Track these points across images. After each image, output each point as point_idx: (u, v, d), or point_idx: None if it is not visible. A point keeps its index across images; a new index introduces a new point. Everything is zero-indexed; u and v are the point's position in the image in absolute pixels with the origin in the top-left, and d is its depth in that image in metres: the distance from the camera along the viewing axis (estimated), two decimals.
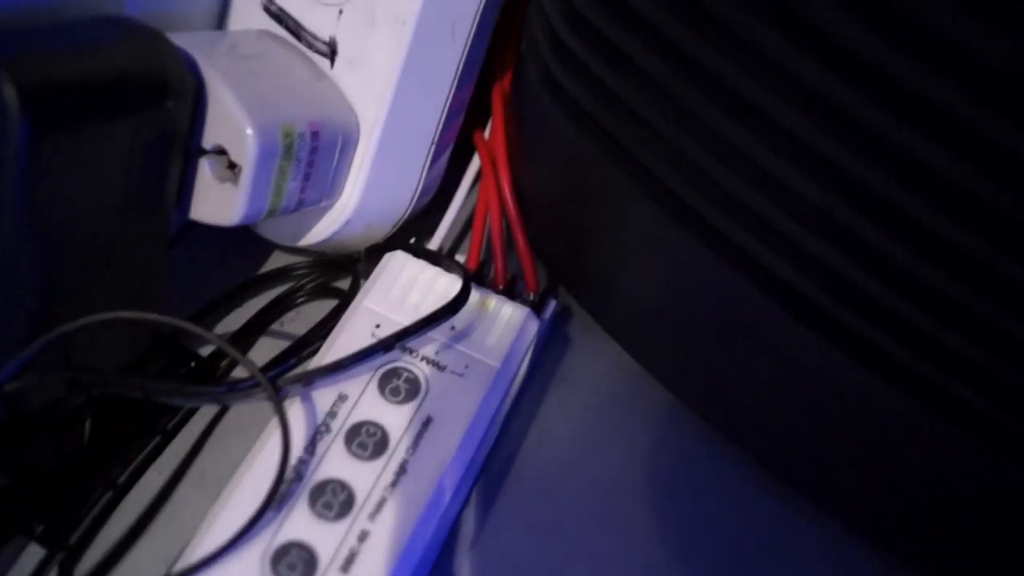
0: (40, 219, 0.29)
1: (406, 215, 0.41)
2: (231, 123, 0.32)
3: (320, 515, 0.31)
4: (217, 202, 0.34)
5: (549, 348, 0.41)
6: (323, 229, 0.39)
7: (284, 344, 0.40)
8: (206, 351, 0.39)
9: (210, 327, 0.40)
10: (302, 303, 0.42)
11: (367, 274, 0.39)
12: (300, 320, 0.41)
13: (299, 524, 0.31)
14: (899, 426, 0.29)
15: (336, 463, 0.33)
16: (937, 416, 0.28)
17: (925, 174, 0.24)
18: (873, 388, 0.29)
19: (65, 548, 0.34)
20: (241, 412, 0.38)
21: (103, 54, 0.30)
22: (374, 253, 0.40)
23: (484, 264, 0.41)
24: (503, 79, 0.42)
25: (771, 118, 0.27)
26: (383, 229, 0.41)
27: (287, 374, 0.34)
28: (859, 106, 0.24)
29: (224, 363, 0.39)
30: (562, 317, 0.42)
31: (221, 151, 0.33)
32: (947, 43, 0.22)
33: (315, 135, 0.34)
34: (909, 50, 0.23)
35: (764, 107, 0.27)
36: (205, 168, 0.34)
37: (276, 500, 0.31)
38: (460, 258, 0.40)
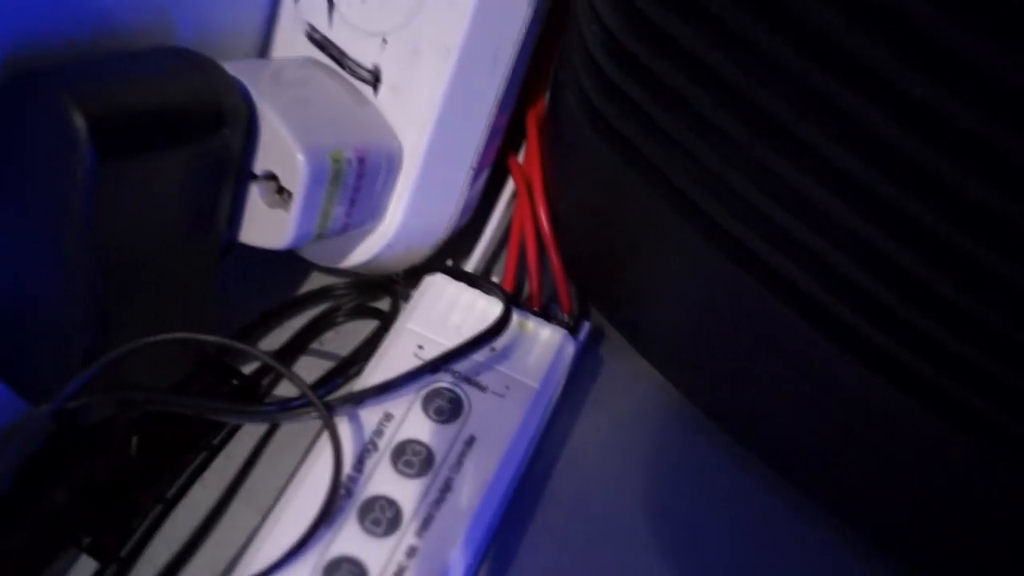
0: (102, 242, 0.30)
1: (445, 236, 0.41)
2: (283, 150, 0.33)
3: (369, 531, 0.32)
4: (267, 226, 0.35)
5: (582, 369, 0.41)
6: (365, 251, 0.39)
7: (324, 363, 0.41)
8: (248, 369, 0.40)
9: (251, 346, 0.41)
10: (341, 323, 0.43)
11: (406, 295, 0.40)
12: (339, 339, 0.42)
13: (349, 539, 0.32)
14: (949, 458, 0.30)
15: (384, 480, 0.34)
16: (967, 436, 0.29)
17: (969, 204, 0.25)
18: (915, 415, 0.29)
19: (117, 560, 0.34)
20: (285, 430, 0.39)
21: (163, 84, 0.31)
22: (412, 275, 0.41)
23: (519, 286, 0.41)
24: (537, 104, 0.43)
25: (812, 148, 0.27)
26: (422, 251, 0.41)
27: (336, 393, 0.35)
28: (902, 139, 0.25)
29: (266, 381, 0.40)
30: (595, 338, 0.43)
31: (272, 177, 0.34)
32: (983, 72, 0.23)
33: (361, 161, 0.35)
34: (956, 85, 0.23)
35: (805, 137, 0.27)
36: (255, 194, 0.35)
37: (328, 517, 0.32)
38: (494, 279, 0.41)
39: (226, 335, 0.39)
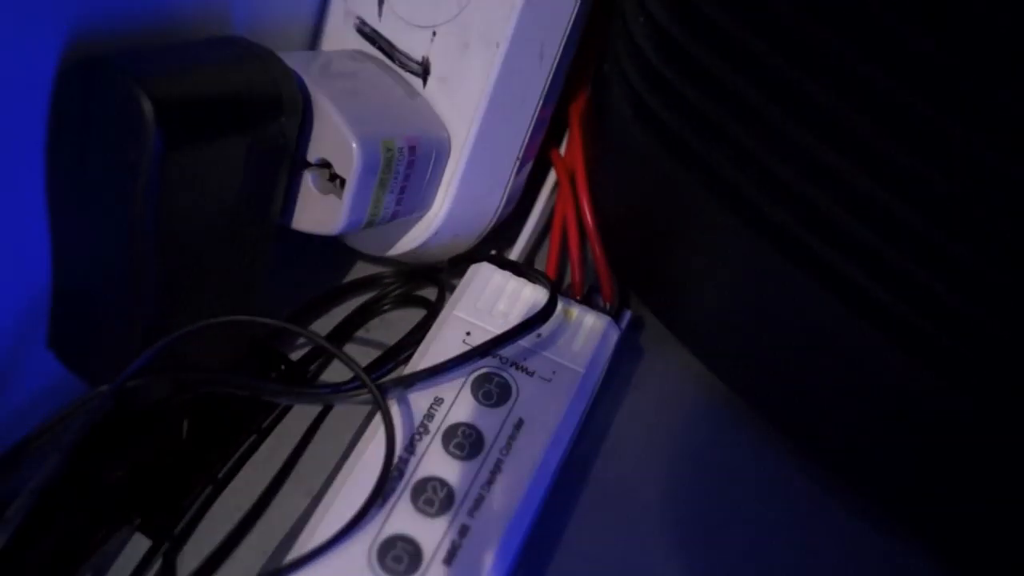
0: (164, 226, 0.31)
1: (490, 226, 0.42)
2: (337, 138, 0.34)
3: (422, 511, 0.33)
4: (320, 213, 0.36)
5: (623, 356, 0.42)
6: (412, 239, 0.40)
7: (370, 350, 0.41)
8: (295, 355, 0.41)
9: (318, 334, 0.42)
10: (387, 311, 0.43)
11: (451, 284, 0.41)
12: (384, 327, 0.43)
13: (403, 519, 0.33)
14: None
15: (435, 462, 0.34)
16: None
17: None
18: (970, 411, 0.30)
19: (170, 538, 0.35)
20: (332, 416, 0.39)
21: (225, 72, 0.32)
22: (457, 263, 0.42)
23: (561, 275, 0.42)
24: (578, 97, 0.44)
25: (855, 136, 0.28)
26: (468, 240, 0.42)
27: (388, 377, 0.36)
28: (946, 125, 0.26)
29: (314, 367, 0.41)
30: (635, 326, 0.43)
31: (325, 164, 0.35)
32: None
33: (412, 150, 0.36)
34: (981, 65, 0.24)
35: (850, 126, 0.28)
36: (308, 180, 0.35)
37: (381, 496, 0.33)
38: (538, 267, 0.41)
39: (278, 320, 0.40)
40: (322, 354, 0.41)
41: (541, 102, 0.40)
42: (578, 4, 0.38)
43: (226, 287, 0.35)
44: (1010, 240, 0.26)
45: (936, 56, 0.25)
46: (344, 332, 0.42)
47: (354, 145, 0.34)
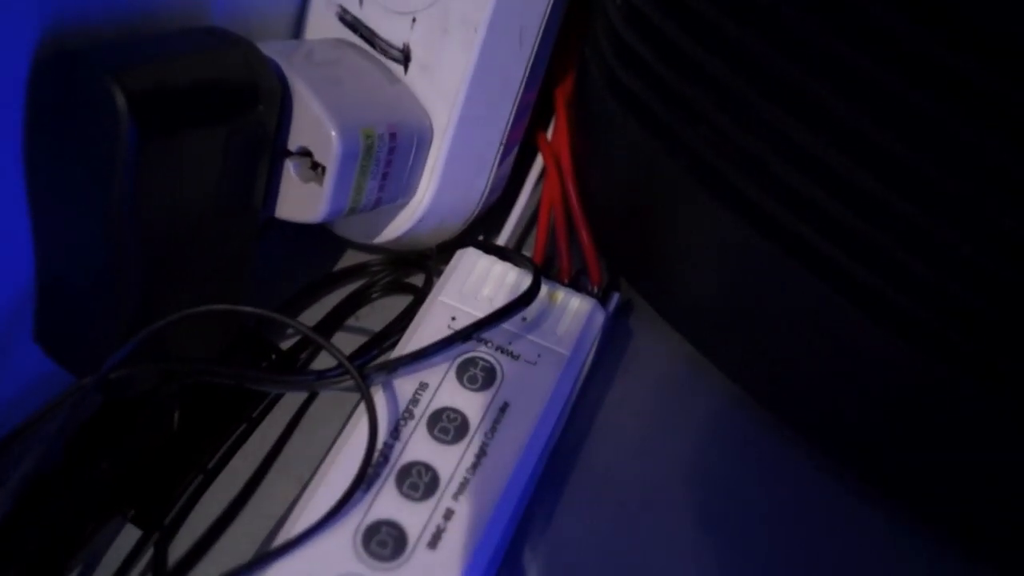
0: (143, 217, 0.31)
1: (476, 212, 0.42)
2: (316, 126, 0.34)
3: (407, 495, 0.33)
4: (301, 201, 0.36)
5: (612, 339, 0.42)
6: (398, 226, 0.40)
7: (360, 337, 0.42)
8: (285, 345, 0.41)
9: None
10: (376, 298, 0.44)
11: (439, 271, 0.41)
12: (375, 314, 0.43)
13: (388, 504, 0.33)
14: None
15: (420, 447, 0.35)
16: None
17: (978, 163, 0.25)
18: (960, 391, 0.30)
19: (160, 528, 0.35)
20: (322, 402, 0.40)
21: (200, 63, 0.32)
22: (444, 250, 0.42)
23: (549, 260, 0.42)
24: (565, 81, 0.44)
25: (825, 111, 0.28)
26: (454, 226, 0.42)
27: (372, 363, 0.36)
28: (908, 97, 0.26)
29: (304, 355, 0.41)
30: (624, 309, 0.43)
31: (306, 152, 0.35)
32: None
33: (392, 136, 0.36)
34: (959, 43, 0.24)
35: (817, 100, 0.28)
36: (290, 169, 0.36)
37: (365, 481, 0.33)
38: (526, 253, 0.42)
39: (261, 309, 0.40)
40: (312, 342, 0.41)
41: (523, 86, 0.40)
42: None
43: (211, 277, 0.35)
44: (994, 220, 0.26)
45: (903, 29, 0.25)
46: (334, 320, 0.42)
47: (333, 133, 0.34)
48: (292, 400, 0.40)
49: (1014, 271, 0.26)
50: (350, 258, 0.45)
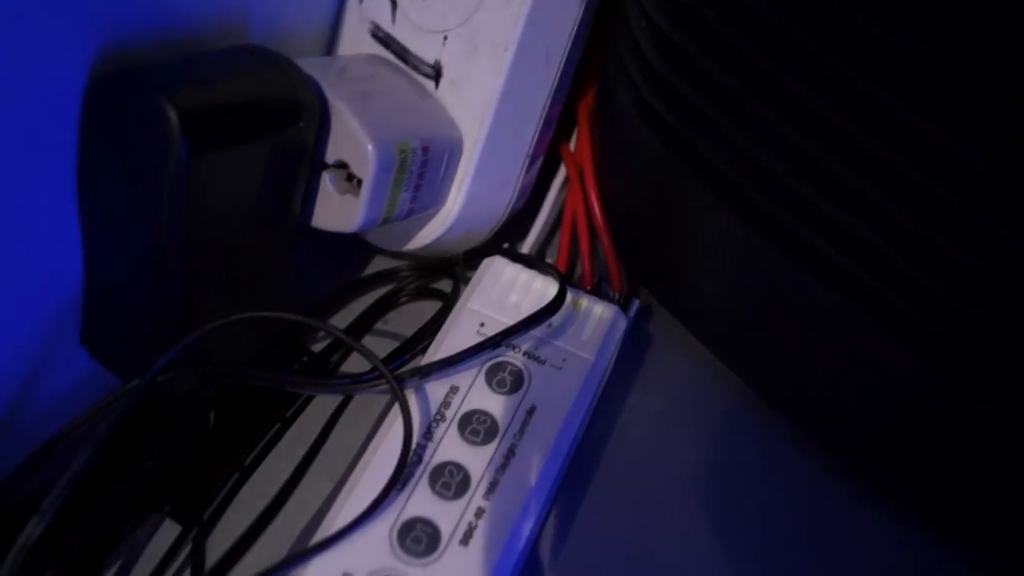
0: (190, 228, 0.32)
1: (502, 221, 0.44)
2: (353, 140, 0.36)
3: (440, 494, 0.35)
4: (338, 211, 0.37)
5: (633, 345, 0.44)
6: (427, 234, 0.42)
7: (388, 341, 0.43)
8: (316, 347, 0.42)
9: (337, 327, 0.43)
10: (404, 303, 0.45)
11: (465, 277, 0.42)
12: (402, 319, 0.44)
13: (422, 502, 0.35)
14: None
15: (452, 447, 0.36)
16: None
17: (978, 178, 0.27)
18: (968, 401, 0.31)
19: (200, 524, 0.37)
20: (354, 403, 0.41)
21: (245, 80, 0.33)
22: (471, 257, 0.44)
23: (571, 266, 0.44)
24: (587, 94, 0.45)
25: (842, 133, 0.29)
26: (481, 234, 0.44)
27: (405, 367, 0.37)
28: (918, 121, 0.27)
29: (335, 358, 0.42)
30: (644, 316, 0.45)
31: (343, 165, 0.36)
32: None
33: (425, 150, 0.37)
34: (960, 68, 0.26)
35: (834, 124, 0.29)
36: (327, 181, 0.37)
37: (400, 480, 0.35)
38: (549, 260, 0.43)
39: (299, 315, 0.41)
40: (343, 346, 0.42)
41: (549, 102, 0.41)
42: (582, 9, 0.39)
43: (251, 283, 0.37)
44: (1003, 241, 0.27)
45: (910, 55, 0.26)
46: (364, 324, 0.44)
47: (370, 147, 0.36)
48: (324, 401, 0.41)
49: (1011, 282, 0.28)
50: (379, 264, 0.46)
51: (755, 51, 0.31)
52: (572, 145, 0.46)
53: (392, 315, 0.45)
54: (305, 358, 0.42)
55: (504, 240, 0.45)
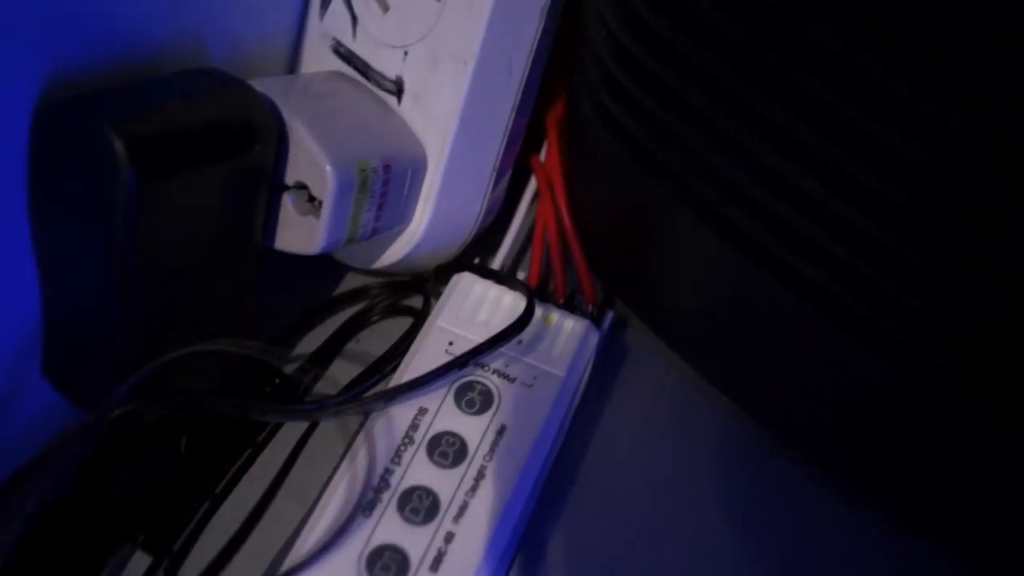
0: (145, 256, 0.32)
1: (471, 236, 0.43)
2: (311, 161, 0.35)
3: (409, 519, 0.34)
4: (300, 233, 0.37)
5: (609, 357, 0.43)
6: (395, 252, 0.41)
7: (361, 359, 0.42)
8: (289, 369, 0.42)
9: (292, 345, 0.43)
10: (376, 321, 0.44)
11: (436, 293, 0.42)
12: (375, 337, 0.44)
13: (390, 528, 0.34)
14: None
15: (420, 471, 0.36)
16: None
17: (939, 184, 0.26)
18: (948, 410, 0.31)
19: (170, 555, 0.36)
20: (327, 425, 0.40)
21: (196, 105, 0.33)
22: (442, 273, 0.43)
23: (544, 280, 0.43)
24: (556, 106, 0.45)
25: (800, 141, 0.29)
26: (450, 250, 0.43)
27: (370, 391, 0.37)
28: (875, 130, 0.27)
29: (307, 379, 0.42)
30: (619, 328, 0.44)
31: (302, 186, 0.36)
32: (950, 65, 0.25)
33: (387, 168, 0.37)
34: (922, 77, 0.25)
35: (793, 131, 0.29)
36: (288, 202, 0.36)
37: (364, 507, 0.34)
38: (521, 275, 0.42)
39: (267, 336, 0.41)
40: (313, 368, 0.42)
41: (513, 115, 0.41)
42: (543, 20, 0.39)
43: (214, 310, 0.36)
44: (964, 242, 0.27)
45: (862, 58, 0.26)
46: (335, 343, 0.43)
47: (328, 168, 0.35)
48: (296, 425, 0.40)
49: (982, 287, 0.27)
50: (349, 282, 0.46)
51: (709, 59, 0.31)
52: (542, 156, 0.45)
53: (365, 334, 0.44)
54: (277, 380, 0.41)
55: (475, 255, 0.44)
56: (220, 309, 0.37)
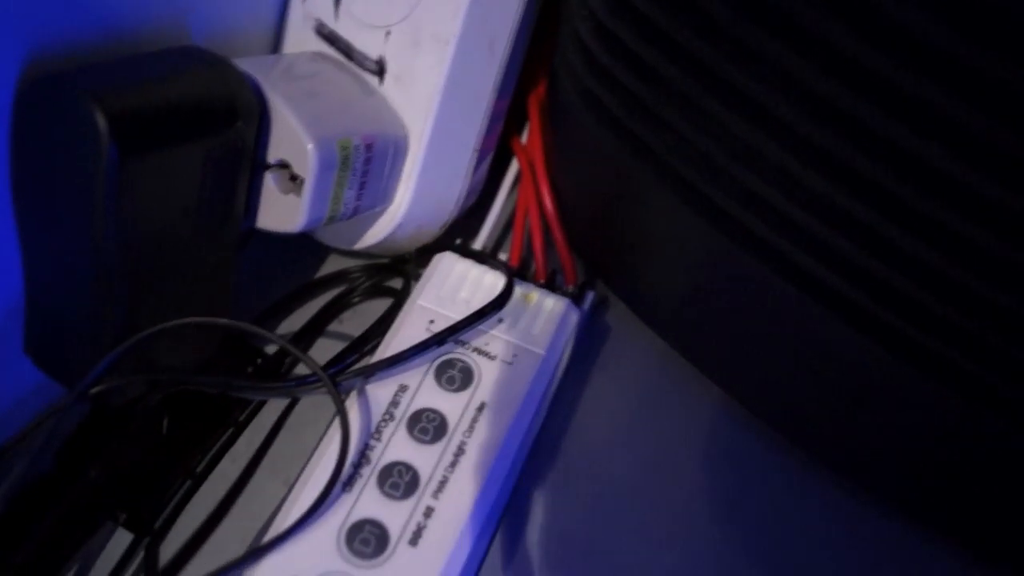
0: (125, 232, 0.32)
1: (452, 217, 0.43)
2: (293, 139, 0.35)
3: (388, 495, 0.35)
4: (282, 211, 0.37)
5: (589, 336, 0.43)
6: (377, 232, 0.42)
7: (342, 340, 0.43)
8: (271, 349, 0.42)
9: (274, 327, 0.43)
10: (357, 303, 0.45)
11: (418, 274, 0.42)
12: (356, 318, 0.44)
13: (370, 503, 0.34)
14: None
15: (401, 447, 0.36)
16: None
17: (912, 162, 0.26)
18: (899, 376, 0.31)
19: (151, 532, 0.37)
20: (307, 404, 0.41)
21: (179, 82, 0.33)
22: (423, 254, 0.43)
23: (526, 260, 0.43)
24: (538, 88, 0.45)
25: (779, 119, 0.29)
26: (431, 231, 0.43)
27: (350, 368, 0.37)
28: (852, 106, 0.27)
29: (288, 359, 0.42)
30: (601, 308, 0.44)
31: (284, 165, 0.36)
32: (931, 46, 0.25)
33: (369, 147, 0.37)
34: (895, 51, 0.25)
35: (772, 109, 0.29)
36: (270, 181, 0.37)
37: (341, 481, 0.34)
38: (503, 256, 0.43)
39: (250, 318, 0.41)
40: (295, 347, 0.42)
41: (495, 95, 0.41)
42: (525, 0, 0.39)
43: (196, 288, 0.36)
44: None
45: (845, 39, 0.26)
46: (316, 325, 0.43)
47: (309, 146, 0.35)
48: (278, 403, 0.41)
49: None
50: (332, 263, 0.46)
51: (688, 37, 0.31)
52: (524, 138, 0.45)
53: (347, 315, 0.44)
54: (259, 360, 0.41)
55: (457, 236, 0.44)
56: (202, 287, 0.37)
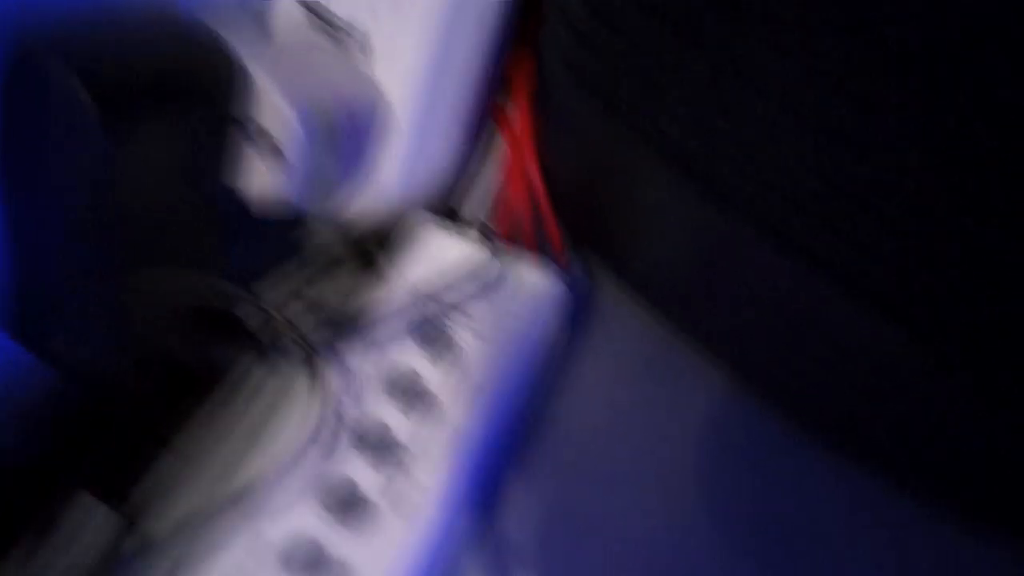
0: (114, 203, 0.32)
1: (435, 187, 0.43)
2: (276, 111, 0.35)
3: (366, 457, 0.35)
4: (266, 181, 0.37)
5: (578, 310, 0.43)
6: (359, 201, 0.42)
7: (323, 308, 0.43)
8: (252, 316, 0.42)
9: (255, 294, 0.43)
10: (339, 272, 0.45)
11: (400, 243, 0.42)
12: (338, 287, 0.44)
13: (346, 463, 0.35)
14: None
15: (379, 412, 0.36)
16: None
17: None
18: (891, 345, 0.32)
19: (127, 501, 0.37)
20: (289, 370, 0.41)
21: (164, 55, 0.33)
22: (406, 223, 0.43)
23: (513, 232, 0.43)
24: (523, 61, 0.45)
25: (768, 86, 0.29)
26: (414, 199, 0.43)
27: (329, 335, 0.37)
28: (841, 67, 0.27)
29: (269, 327, 0.42)
30: (589, 282, 0.44)
31: (268, 136, 0.36)
32: None
33: (351, 117, 0.37)
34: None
35: (761, 76, 0.29)
36: (253, 152, 0.37)
37: (319, 442, 0.35)
38: (487, 226, 0.43)
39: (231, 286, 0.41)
40: (276, 316, 0.42)
41: (479, 64, 0.41)
42: None
43: (183, 253, 0.36)
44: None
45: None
46: (297, 294, 0.43)
47: (292, 116, 0.35)
48: (258, 369, 0.41)
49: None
50: (314, 232, 0.46)
51: (683, 8, 0.31)
52: (510, 110, 0.45)
53: (327, 283, 0.44)
54: (239, 327, 0.41)
55: (441, 206, 0.44)
56: (189, 253, 0.37)
